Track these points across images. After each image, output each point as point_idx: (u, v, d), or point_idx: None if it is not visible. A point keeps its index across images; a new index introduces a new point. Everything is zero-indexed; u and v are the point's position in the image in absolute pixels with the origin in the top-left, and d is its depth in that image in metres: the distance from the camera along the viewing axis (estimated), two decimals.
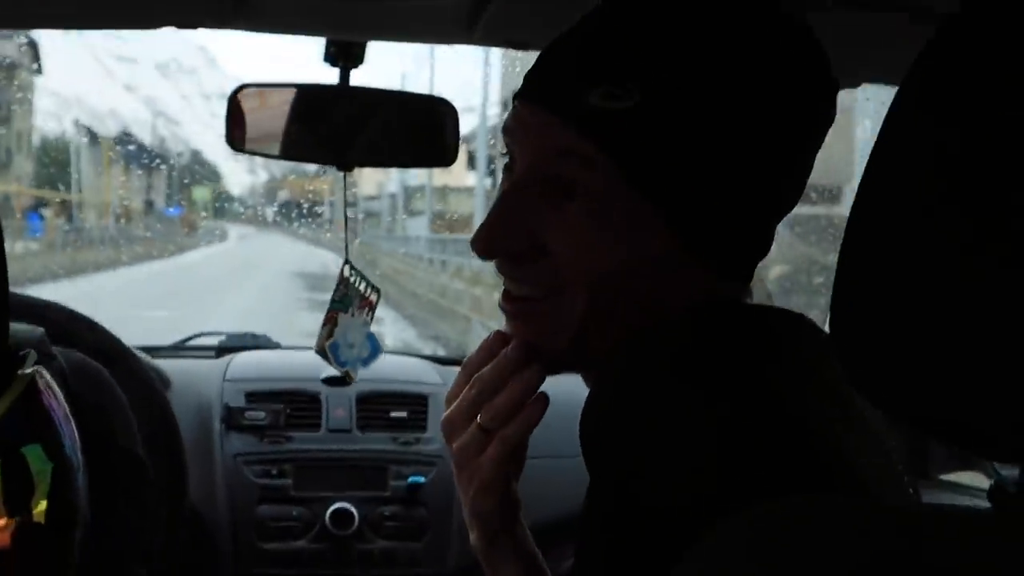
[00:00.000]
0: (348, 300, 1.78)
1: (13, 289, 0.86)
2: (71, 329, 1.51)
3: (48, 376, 0.65)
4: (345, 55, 1.55)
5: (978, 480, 1.95)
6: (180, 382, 2.05)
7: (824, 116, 0.86)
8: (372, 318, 1.81)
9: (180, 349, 2.44)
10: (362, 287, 1.79)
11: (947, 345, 0.50)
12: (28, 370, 0.59)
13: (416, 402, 2.17)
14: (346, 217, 1.80)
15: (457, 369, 2.31)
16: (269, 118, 1.60)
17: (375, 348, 1.90)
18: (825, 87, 0.85)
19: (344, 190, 1.74)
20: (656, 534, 0.70)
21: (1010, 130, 0.48)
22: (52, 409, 0.62)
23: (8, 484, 0.57)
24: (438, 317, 16.52)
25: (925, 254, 0.51)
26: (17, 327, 0.86)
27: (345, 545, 1.97)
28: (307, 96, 1.62)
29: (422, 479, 2.03)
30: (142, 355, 1.65)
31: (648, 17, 0.82)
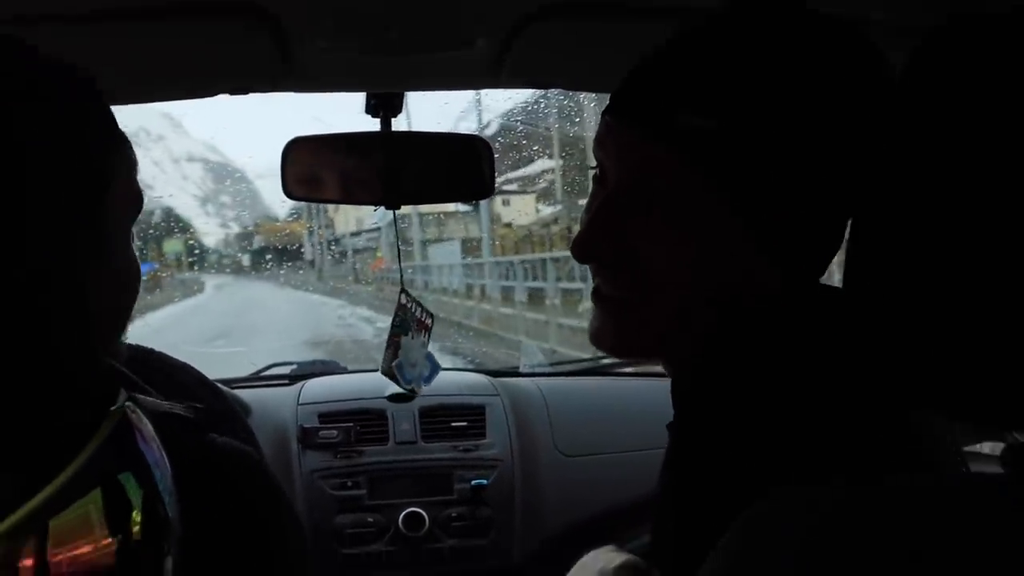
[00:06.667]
0: (407, 324, 1.80)
1: None
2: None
3: (140, 412, 0.67)
4: (385, 106, 1.58)
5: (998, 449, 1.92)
6: (258, 409, 2.09)
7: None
8: (429, 339, 1.83)
9: (256, 379, 2.47)
10: (418, 312, 1.81)
11: (957, 329, 0.50)
12: (115, 407, 0.62)
13: (474, 412, 2.18)
14: (399, 250, 1.82)
15: (509, 380, 2.31)
16: (321, 167, 1.62)
17: (434, 366, 1.91)
18: (883, 85, 0.83)
19: (395, 228, 1.77)
20: (723, 503, 0.69)
21: (988, 118, 0.49)
22: (140, 441, 0.64)
23: (109, 507, 0.59)
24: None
25: (925, 241, 0.51)
26: (171, 405, 0.82)
27: (418, 545, 1.98)
28: (354, 144, 1.64)
29: (485, 481, 2.04)
30: (223, 387, 1.67)
31: (726, 45, 0.83)
